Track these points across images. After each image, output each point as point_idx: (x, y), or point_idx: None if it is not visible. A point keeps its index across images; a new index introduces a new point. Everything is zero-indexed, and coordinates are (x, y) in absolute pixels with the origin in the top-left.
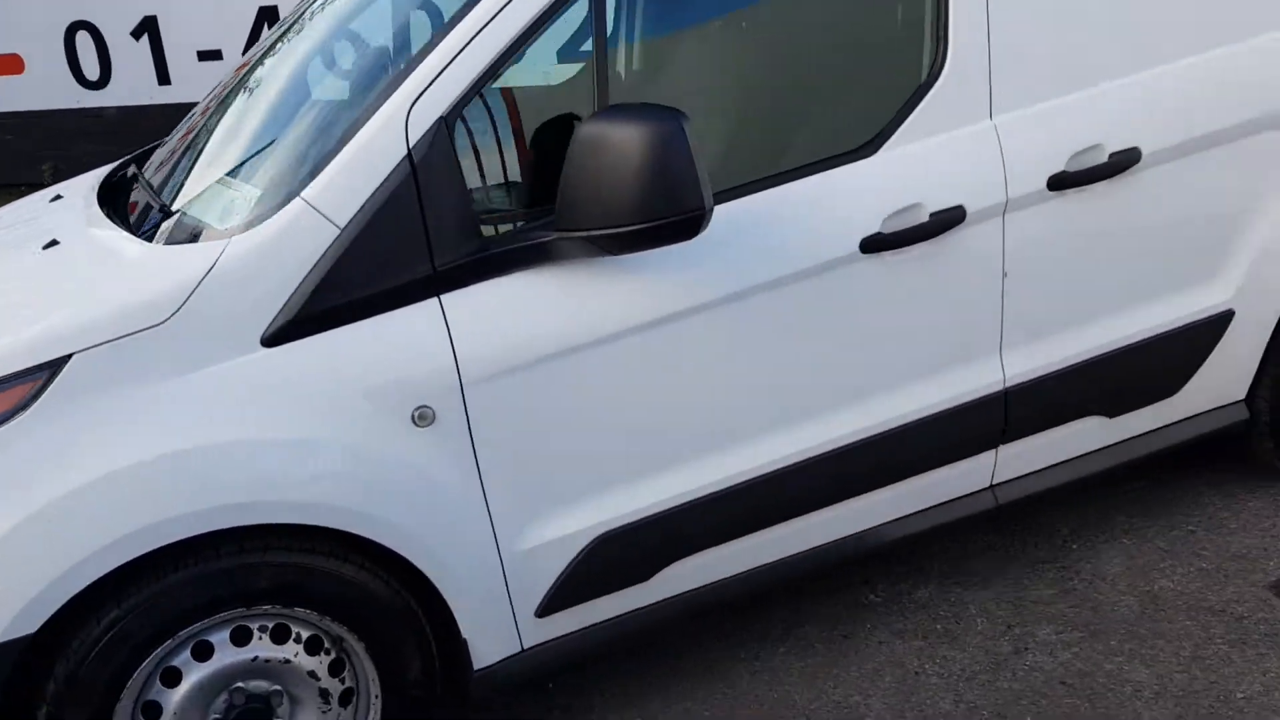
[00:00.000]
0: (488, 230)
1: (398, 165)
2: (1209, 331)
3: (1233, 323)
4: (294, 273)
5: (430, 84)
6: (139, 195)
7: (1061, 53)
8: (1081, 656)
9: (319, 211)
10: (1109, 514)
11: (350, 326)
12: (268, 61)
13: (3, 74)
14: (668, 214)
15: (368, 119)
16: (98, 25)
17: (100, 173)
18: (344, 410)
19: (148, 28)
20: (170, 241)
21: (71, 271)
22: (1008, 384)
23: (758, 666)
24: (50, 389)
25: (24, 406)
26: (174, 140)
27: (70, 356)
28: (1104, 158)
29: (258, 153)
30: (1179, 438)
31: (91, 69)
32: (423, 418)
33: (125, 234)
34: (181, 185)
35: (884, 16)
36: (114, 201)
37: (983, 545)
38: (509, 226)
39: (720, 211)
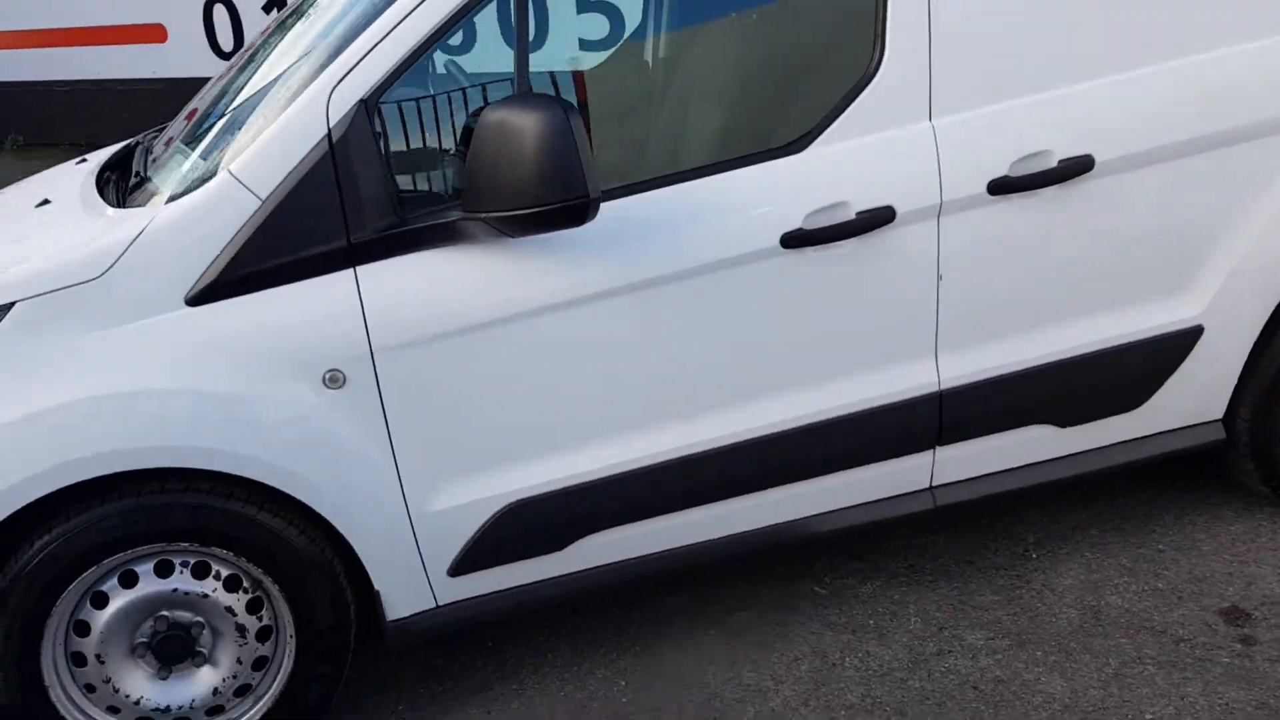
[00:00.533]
0: (405, 208)
1: (317, 143)
2: (1175, 346)
3: (1202, 339)
4: (217, 239)
5: (353, 68)
6: (133, 163)
7: (1010, 56)
8: (1003, 664)
9: (242, 183)
10: (1082, 527)
11: (269, 291)
12: (263, 45)
13: (147, 41)
14: (555, 200)
15: (294, 99)
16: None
17: (128, 141)
18: (258, 368)
19: (277, 3)
20: (128, 206)
21: (45, 228)
22: (943, 386)
23: (687, 644)
24: None
25: None
26: (179, 116)
27: (13, 304)
28: (1052, 163)
29: (211, 127)
30: (1145, 454)
31: (226, 40)
32: (333, 380)
33: (97, 197)
34: (157, 156)
35: (822, 12)
36: (121, 167)
37: (941, 548)
38: (425, 206)
39: (635, 202)
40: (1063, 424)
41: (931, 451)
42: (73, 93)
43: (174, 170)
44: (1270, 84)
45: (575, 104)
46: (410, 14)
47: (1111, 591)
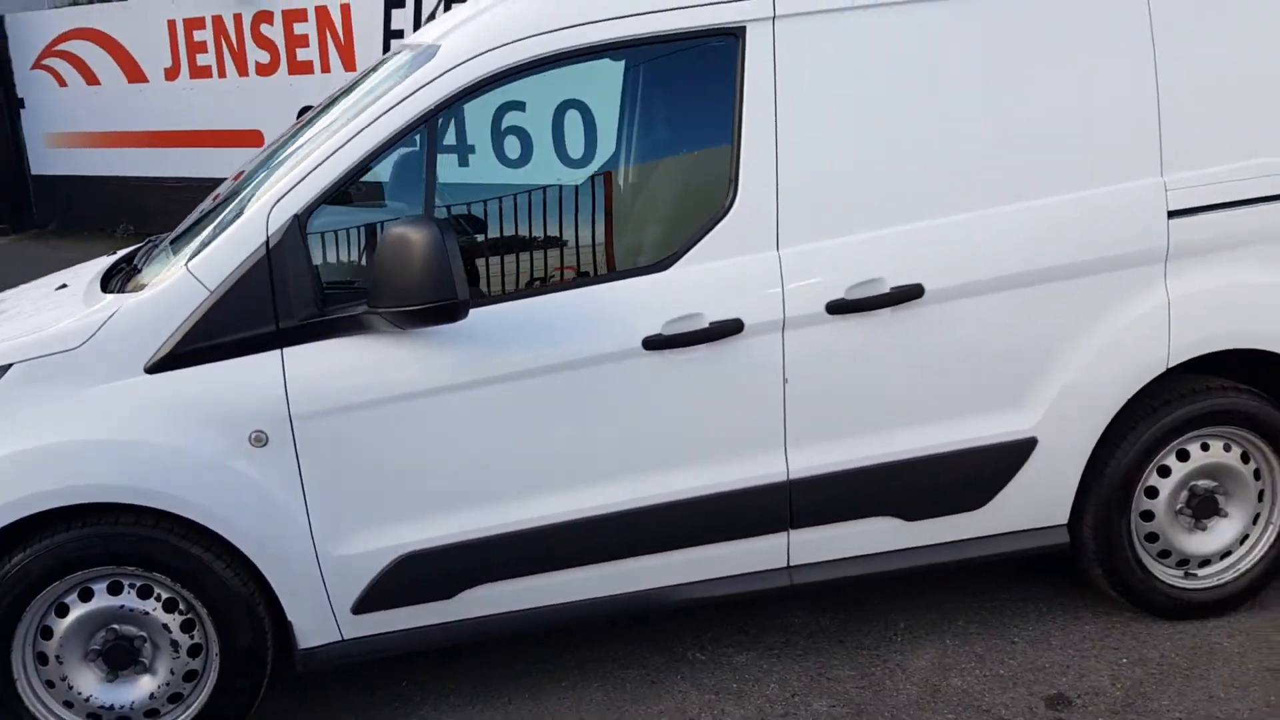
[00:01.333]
0: (326, 302)
1: (256, 247)
2: (1009, 455)
3: (1037, 449)
4: (173, 320)
5: (290, 190)
6: (136, 257)
7: (850, 198)
8: (795, 713)
9: (195, 277)
10: (952, 616)
11: (213, 364)
12: (255, 164)
13: (247, 145)
14: (431, 300)
15: (244, 212)
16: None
17: (151, 238)
18: (198, 427)
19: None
20: (117, 292)
21: (54, 307)
22: (792, 476)
23: (570, 693)
24: None
25: None
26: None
27: (11, 365)
28: (885, 289)
29: (192, 230)
30: (992, 551)
31: None
32: (258, 440)
33: (97, 283)
34: (154, 251)
35: (696, 155)
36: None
37: (819, 626)
38: (342, 301)
39: (520, 305)
40: (908, 518)
41: (786, 534)
42: (178, 189)
43: (158, 264)
44: (1097, 229)
45: (464, 226)
46: (336, 152)
47: (956, 675)
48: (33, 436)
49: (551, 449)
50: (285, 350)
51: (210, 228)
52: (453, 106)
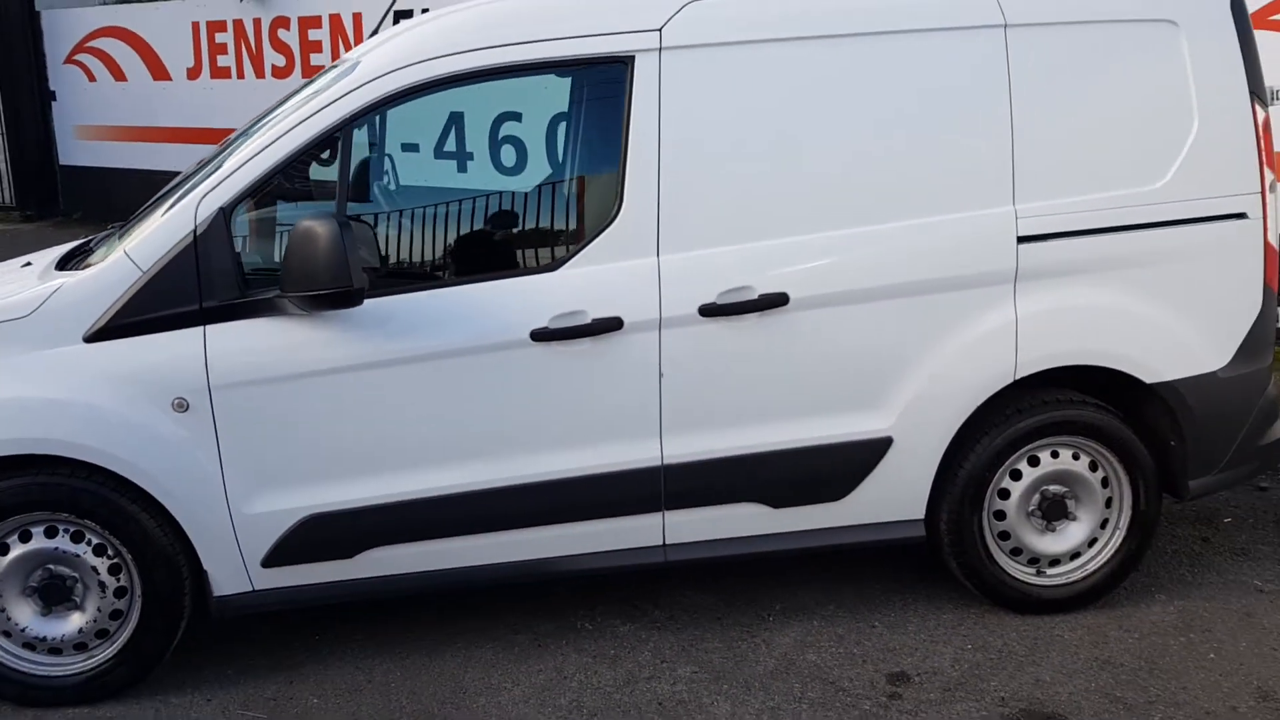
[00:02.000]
0: (247, 286)
1: (185, 235)
2: (866, 452)
3: (892, 448)
4: (109, 296)
5: (219, 184)
6: (93, 242)
7: (724, 214)
8: (693, 690)
9: (130, 259)
10: (824, 602)
11: (143, 337)
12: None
13: None
14: (329, 286)
15: (177, 202)
16: None
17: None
18: (129, 392)
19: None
20: (70, 271)
21: (13, 281)
22: (665, 461)
23: (463, 652)
24: None
25: None
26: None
27: None
28: (753, 296)
29: (138, 218)
30: (855, 539)
31: None
32: (180, 406)
33: (53, 263)
34: (107, 236)
35: (589, 169)
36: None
37: (702, 606)
38: (261, 286)
39: (421, 297)
40: (774, 505)
41: (661, 514)
42: None
43: (106, 247)
44: (952, 250)
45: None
46: (260, 153)
47: (814, 651)
48: None
49: (443, 427)
50: (208, 327)
51: (150, 216)
52: (365, 117)
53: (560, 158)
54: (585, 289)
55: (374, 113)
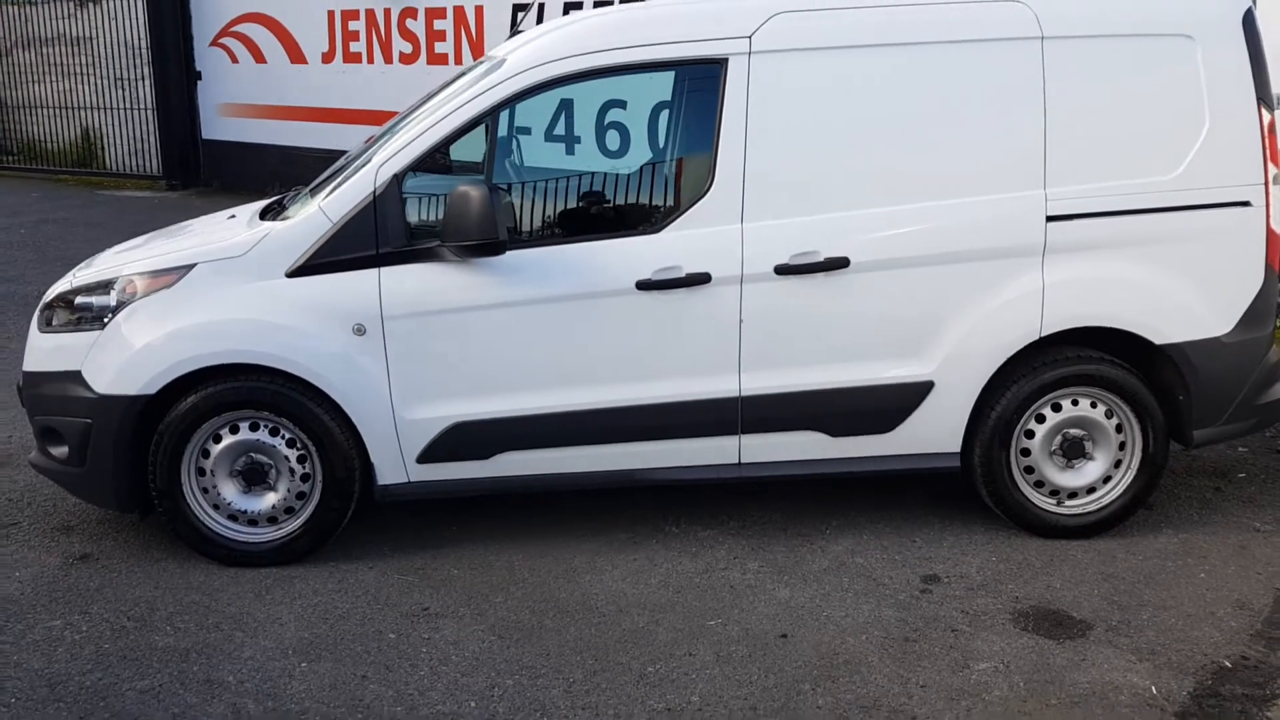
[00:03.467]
0: (412, 237)
1: (366, 195)
2: (912, 393)
3: (933, 391)
4: (306, 242)
5: (393, 155)
6: (285, 199)
7: (799, 190)
8: (760, 579)
9: (324, 213)
10: (874, 521)
11: (331, 275)
12: (379, 134)
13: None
14: (479, 239)
15: (361, 169)
16: None
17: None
18: (319, 317)
19: None
20: (274, 221)
21: (226, 229)
22: (743, 393)
23: (575, 544)
24: (184, 279)
25: (170, 285)
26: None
27: (195, 264)
28: (820, 259)
29: (325, 182)
30: (900, 467)
31: None
32: (359, 330)
33: (257, 215)
34: (298, 196)
35: (689, 150)
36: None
37: (771, 520)
38: (423, 237)
39: (552, 251)
40: (832, 434)
41: (738, 437)
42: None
43: (299, 204)
44: (991, 225)
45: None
46: (425, 132)
47: (861, 556)
48: (213, 312)
49: (563, 356)
50: (382, 269)
51: (339, 179)
52: (512, 105)
53: (661, 141)
54: (681, 248)
55: (519, 101)
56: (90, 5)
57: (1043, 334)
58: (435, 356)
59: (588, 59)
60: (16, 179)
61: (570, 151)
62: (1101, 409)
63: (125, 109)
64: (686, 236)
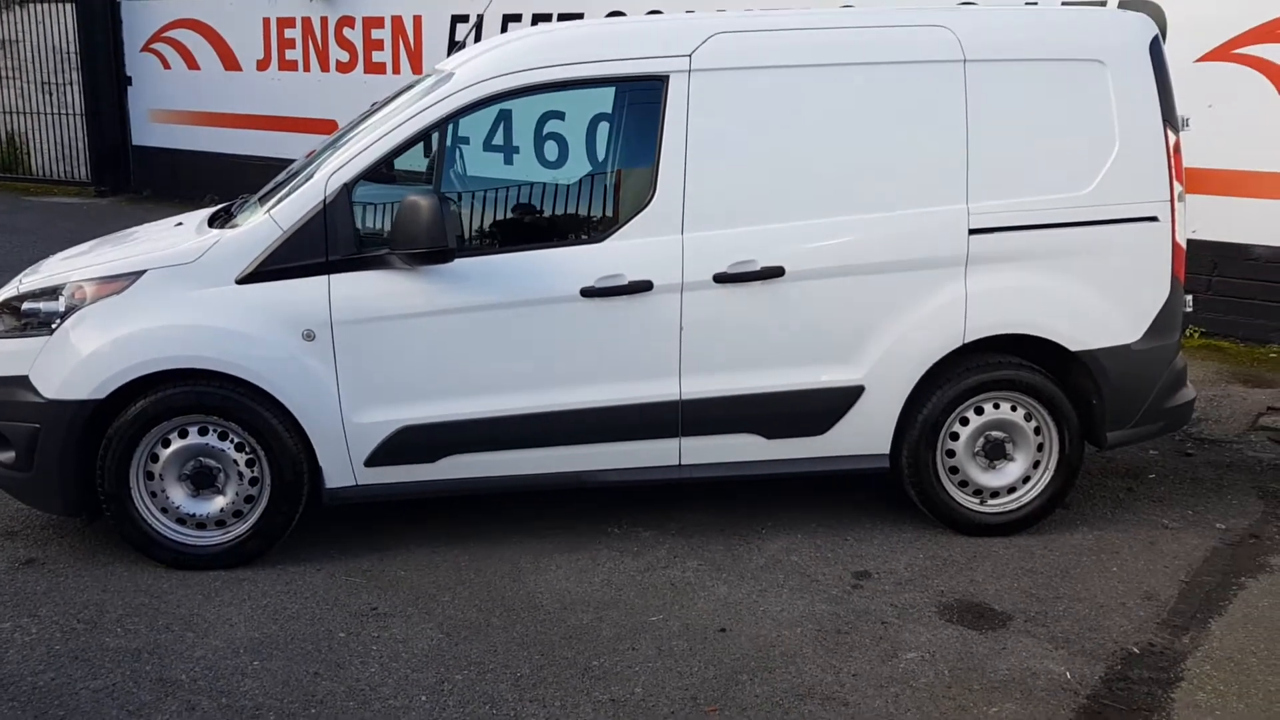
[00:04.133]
0: (363, 245)
1: (316, 204)
2: (842, 397)
3: (863, 395)
4: (257, 248)
5: (343, 165)
6: (233, 207)
7: (736, 202)
8: (699, 577)
9: (274, 220)
10: (808, 521)
11: (281, 282)
12: (327, 142)
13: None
14: (428, 246)
15: (310, 178)
16: None
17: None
18: (269, 323)
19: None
20: (222, 228)
21: (174, 236)
22: (683, 397)
23: (517, 545)
24: (134, 285)
25: (120, 291)
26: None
27: (145, 271)
28: (756, 268)
29: (274, 190)
30: (833, 468)
31: None
32: (308, 336)
33: (205, 222)
34: (246, 204)
35: (631, 163)
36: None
37: (708, 521)
38: (374, 244)
39: (498, 259)
40: (768, 436)
41: (678, 440)
42: (261, 166)
43: (248, 211)
44: (916, 238)
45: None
46: (374, 143)
47: (796, 554)
48: (161, 318)
49: (509, 361)
50: (331, 276)
51: (287, 188)
52: (459, 118)
53: (602, 154)
54: (624, 257)
55: (466, 114)
56: (16, 8)
57: (966, 340)
58: (383, 361)
59: (534, 74)
60: None
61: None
62: (1021, 412)
63: (53, 114)
64: (629, 246)
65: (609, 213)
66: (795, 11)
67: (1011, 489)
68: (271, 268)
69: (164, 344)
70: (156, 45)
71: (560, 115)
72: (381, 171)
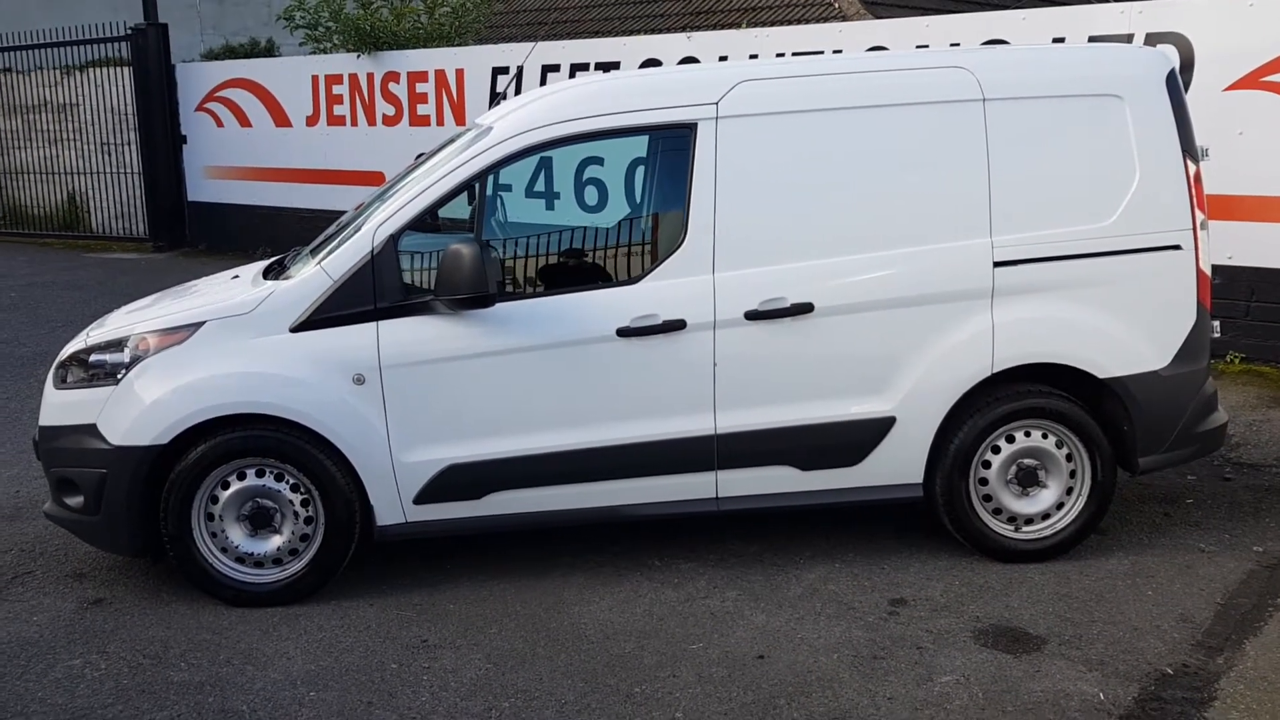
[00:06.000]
0: (408, 292)
1: (364, 254)
2: (875, 428)
3: (895, 426)
4: (310, 298)
5: (389, 217)
6: (286, 260)
7: (764, 243)
8: (738, 606)
9: (325, 271)
10: (845, 550)
11: (333, 329)
12: (373, 198)
13: (371, 184)
14: (470, 293)
15: (358, 230)
16: None
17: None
18: (322, 370)
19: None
20: (274, 280)
21: (232, 288)
22: (718, 431)
23: (565, 577)
24: (194, 336)
25: (181, 342)
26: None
27: (205, 322)
28: (786, 305)
29: (324, 243)
30: (868, 498)
31: None
32: (359, 380)
33: (260, 274)
34: (298, 256)
35: (662, 207)
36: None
37: (747, 551)
38: (418, 292)
39: (539, 303)
40: (803, 468)
41: (714, 473)
42: (311, 218)
43: (300, 263)
44: (942, 271)
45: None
46: (418, 195)
47: (834, 583)
48: (219, 366)
49: (550, 400)
50: (380, 323)
51: (337, 240)
52: (498, 170)
53: (637, 199)
54: (658, 298)
55: (505, 165)
56: (76, 73)
57: (994, 370)
58: (430, 403)
59: (568, 125)
60: (2, 243)
61: (550, 207)
62: (1052, 440)
63: (111, 173)
64: (662, 287)
65: (644, 255)
66: (816, 59)
67: (1045, 515)
68: (323, 316)
69: (222, 391)
70: (210, 105)
71: (600, 161)
72: (426, 221)
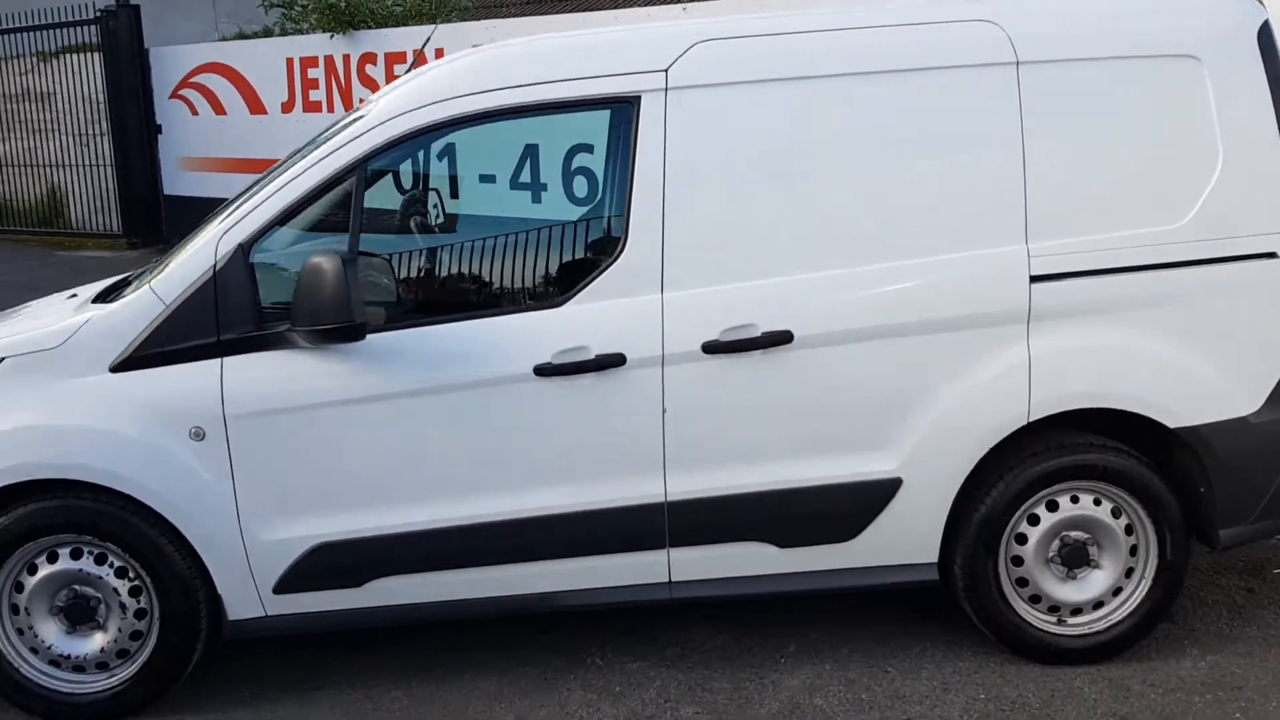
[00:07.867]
0: (263, 320)
1: (205, 270)
2: (874, 493)
3: (901, 489)
4: (135, 328)
5: (237, 223)
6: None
7: (729, 251)
8: (661, 714)
9: (155, 293)
10: (839, 644)
11: (164, 368)
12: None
13: None
14: (333, 322)
15: (198, 238)
16: None
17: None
18: (147, 420)
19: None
20: (105, 303)
21: (54, 313)
22: (669, 498)
23: (469, 683)
24: None
25: None
26: None
27: (4, 359)
28: (757, 334)
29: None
30: (867, 582)
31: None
32: (197, 434)
33: (90, 296)
34: (146, 271)
35: (594, 203)
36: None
37: (715, 644)
38: (275, 319)
39: (426, 331)
40: (781, 545)
41: (666, 551)
42: None
43: (140, 280)
44: (963, 289)
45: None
46: (277, 193)
47: (821, 695)
48: (15, 419)
49: (450, 460)
50: (225, 359)
51: (177, 250)
52: (372, 160)
53: (571, 195)
54: (589, 325)
55: (382, 155)
56: (52, 60)
57: (1031, 418)
58: (290, 463)
59: (464, 103)
60: None
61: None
62: (1107, 506)
63: (87, 165)
64: (594, 310)
65: (570, 269)
66: (795, 13)
67: (1098, 604)
68: (152, 351)
69: (20, 449)
70: (184, 92)
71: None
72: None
